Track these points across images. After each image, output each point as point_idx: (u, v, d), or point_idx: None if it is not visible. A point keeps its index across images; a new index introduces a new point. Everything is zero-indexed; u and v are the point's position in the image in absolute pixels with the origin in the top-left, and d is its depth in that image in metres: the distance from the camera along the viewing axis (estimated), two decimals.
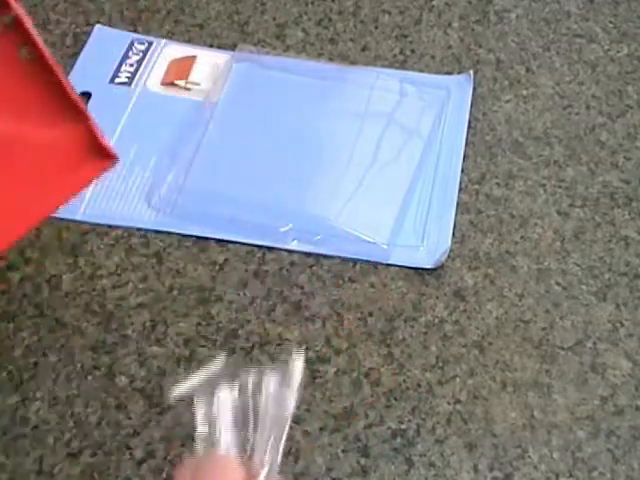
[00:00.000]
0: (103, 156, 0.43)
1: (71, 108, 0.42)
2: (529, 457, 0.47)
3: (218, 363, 0.36)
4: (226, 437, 0.35)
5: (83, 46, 0.63)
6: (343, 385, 0.49)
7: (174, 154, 0.57)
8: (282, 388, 0.35)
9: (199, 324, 0.51)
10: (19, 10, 0.40)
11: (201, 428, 0.35)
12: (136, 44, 0.63)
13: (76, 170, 0.43)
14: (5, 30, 0.40)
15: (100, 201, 0.55)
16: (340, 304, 0.52)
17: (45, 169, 0.42)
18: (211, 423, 0.35)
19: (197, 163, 0.56)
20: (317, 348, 0.50)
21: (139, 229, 0.55)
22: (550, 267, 0.54)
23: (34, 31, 0.41)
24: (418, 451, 0.47)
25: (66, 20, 0.64)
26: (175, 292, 0.52)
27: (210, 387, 0.35)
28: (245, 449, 0.35)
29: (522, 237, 0.55)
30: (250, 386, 0.35)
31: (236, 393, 0.35)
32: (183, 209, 0.55)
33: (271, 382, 0.35)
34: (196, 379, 0.35)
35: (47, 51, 0.42)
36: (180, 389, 0.35)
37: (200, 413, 0.35)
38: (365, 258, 0.53)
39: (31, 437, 0.47)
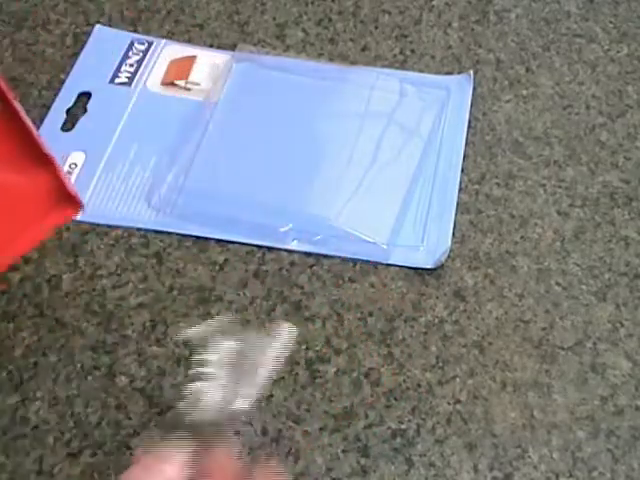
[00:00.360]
0: (70, 204, 0.45)
1: (40, 158, 0.43)
2: (529, 457, 0.47)
3: (224, 320, 0.41)
4: (220, 375, 0.39)
5: (83, 46, 0.63)
6: (343, 385, 0.49)
7: (174, 154, 0.57)
8: (270, 343, 0.40)
9: (199, 324, 0.51)
10: None
11: (196, 369, 0.39)
12: (136, 44, 0.63)
13: (44, 218, 0.44)
14: None
15: (100, 201, 0.55)
16: (340, 304, 0.52)
17: (13, 217, 0.44)
18: (206, 365, 0.39)
19: (197, 163, 0.56)
20: (317, 348, 0.50)
21: (139, 229, 0.55)
22: (550, 267, 0.54)
23: (3, 83, 0.41)
24: (418, 451, 0.47)
25: (66, 20, 0.64)
26: (175, 292, 0.52)
27: (212, 337, 0.40)
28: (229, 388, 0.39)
29: (522, 237, 0.55)
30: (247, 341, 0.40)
31: (233, 345, 0.40)
32: (183, 209, 0.55)
33: (265, 340, 0.41)
34: (202, 329, 0.40)
35: (17, 103, 0.42)
36: (188, 334, 0.40)
37: (198, 357, 0.39)
38: (365, 258, 0.53)
39: (31, 437, 0.47)
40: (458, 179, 0.57)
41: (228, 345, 0.40)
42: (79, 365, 0.49)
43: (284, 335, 0.40)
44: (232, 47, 0.63)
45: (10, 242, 0.44)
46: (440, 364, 0.50)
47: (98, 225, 0.55)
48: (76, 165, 0.57)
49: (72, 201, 0.45)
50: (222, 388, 0.39)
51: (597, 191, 0.57)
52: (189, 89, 0.61)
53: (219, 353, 0.39)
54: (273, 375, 0.39)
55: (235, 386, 0.39)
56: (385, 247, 0.54)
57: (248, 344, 0.40)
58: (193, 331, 0.40)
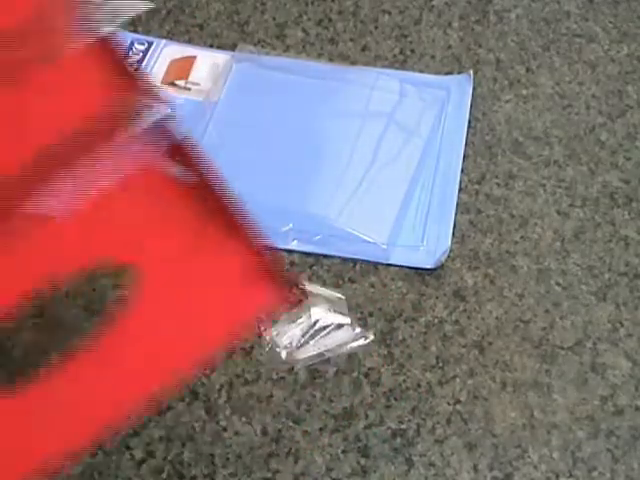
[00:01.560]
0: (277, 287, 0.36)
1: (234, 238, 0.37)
2: (529, 457, 0.47)
3: None
4: None
5: None
6: (343, 385, 0.49)
7: None
8: None
9: None
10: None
11: None
12: (136, 44, 0.63)
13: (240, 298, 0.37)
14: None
15: None
16: None
17: (210, 297, 0.37)
18: None
19: None
20: None
21: None
22: (550, 267, 0.54)
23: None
24: (418, 451, 0.47)
25: None
26: None
27: None
28: None
29: (522, 237, 0.55)
30: None
31: None
32: None
33: None
34: None
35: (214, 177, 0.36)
36: None
37: None
38: (365, 258, 0.53)
39: None
40: (458, 179, 0.57)
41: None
42: None
43: None
44: (232, 47, 0.63)
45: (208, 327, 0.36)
46: (440, 364, 0.50)
47: None
48: None
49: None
50: None
51: (597, 191, 0.57)
52: (189, 89, 0.61)
53: None
54: None
55: None
56: (385, 247, 0.54)
57: None
58: None
